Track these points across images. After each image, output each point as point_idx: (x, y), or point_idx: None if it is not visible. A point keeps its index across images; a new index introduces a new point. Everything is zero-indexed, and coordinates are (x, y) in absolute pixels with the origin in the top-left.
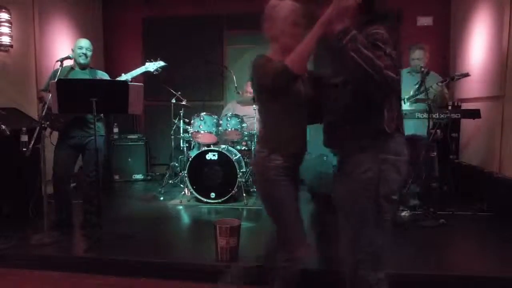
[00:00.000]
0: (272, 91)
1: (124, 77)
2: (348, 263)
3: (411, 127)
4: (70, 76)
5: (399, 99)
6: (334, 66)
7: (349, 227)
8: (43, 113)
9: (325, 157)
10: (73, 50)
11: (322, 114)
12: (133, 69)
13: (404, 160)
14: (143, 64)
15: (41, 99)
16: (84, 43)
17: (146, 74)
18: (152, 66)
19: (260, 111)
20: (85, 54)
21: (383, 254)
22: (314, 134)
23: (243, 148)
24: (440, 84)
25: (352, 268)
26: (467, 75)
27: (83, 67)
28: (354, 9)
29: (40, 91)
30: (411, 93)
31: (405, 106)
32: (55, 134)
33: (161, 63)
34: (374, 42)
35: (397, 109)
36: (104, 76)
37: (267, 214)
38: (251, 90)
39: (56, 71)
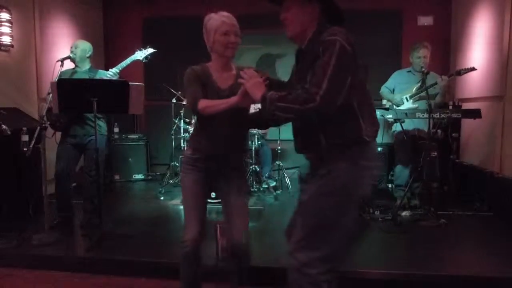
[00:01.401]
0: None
1: (113, 69)
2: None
3: (411, 123)
4: (73, 77)
5: (371, 106)
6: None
7: (305, 225)
8: (44, 113)
9: None
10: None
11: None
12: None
13: (375, 166)
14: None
15: (45, 100)
16: (74, 43)
17: (146, 74)
18: (140, 54)
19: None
20: (72, 52)
21: (335, 254)
22: None
23: None
24: (446, 78)
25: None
26: (473, 69)
27: (76, 64)
28: (263, 83)
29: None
30: (414, 91)
31: (408, 105)
32: (59, 133)
33: (149, 50)
34: (318, 54)
35: (372, 116)
36: (105, 75)
37: None
38: None
39: (61, 72)
